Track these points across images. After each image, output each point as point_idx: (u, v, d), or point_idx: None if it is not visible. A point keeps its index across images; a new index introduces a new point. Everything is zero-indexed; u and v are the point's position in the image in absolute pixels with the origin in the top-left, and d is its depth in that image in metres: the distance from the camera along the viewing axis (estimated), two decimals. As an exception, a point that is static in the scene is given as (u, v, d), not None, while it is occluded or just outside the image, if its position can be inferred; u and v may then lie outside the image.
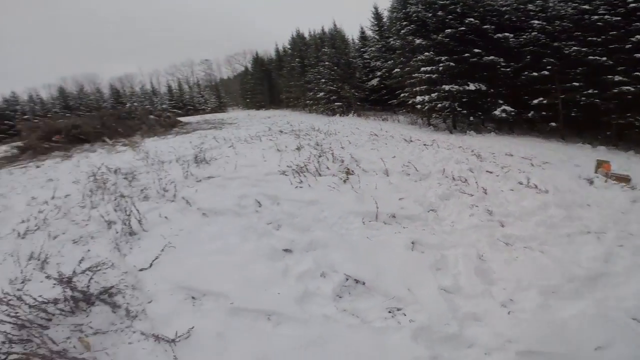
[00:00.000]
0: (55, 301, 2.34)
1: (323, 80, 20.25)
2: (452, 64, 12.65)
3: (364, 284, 2.60)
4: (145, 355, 2.03)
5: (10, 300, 2.20)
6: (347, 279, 2.65)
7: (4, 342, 2.02)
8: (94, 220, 3.92)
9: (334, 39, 21.70)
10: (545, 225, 3.52)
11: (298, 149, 7.03)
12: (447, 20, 13.05)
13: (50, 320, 2.27)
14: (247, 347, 2.06)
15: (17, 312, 2.19)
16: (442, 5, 13.17)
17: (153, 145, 10.51)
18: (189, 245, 3.18)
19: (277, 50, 34.93)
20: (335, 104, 19.55)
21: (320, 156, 6.06)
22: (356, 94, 19.96)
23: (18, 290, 2.38)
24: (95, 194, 4.95)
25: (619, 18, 10.39)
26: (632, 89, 9.97)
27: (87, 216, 4.12)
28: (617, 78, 10.22)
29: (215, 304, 2.42)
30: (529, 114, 12.41)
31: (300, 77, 25.55)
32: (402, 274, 2.67)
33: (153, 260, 2.84)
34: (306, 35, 30.31)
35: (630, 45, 10.11)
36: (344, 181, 4.71)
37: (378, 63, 20.36)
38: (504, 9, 13.53)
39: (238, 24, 76.94)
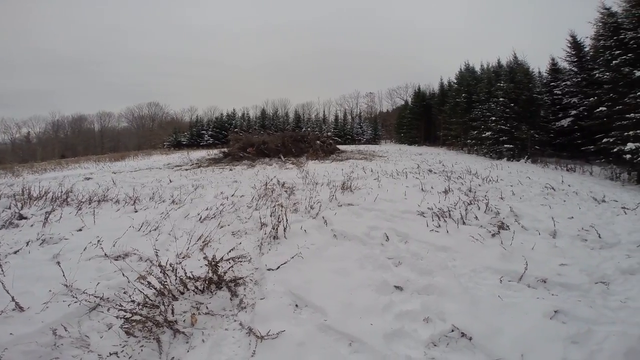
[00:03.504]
0: (197, 279, 2.71)
1: (493, 118, 17.93)
2: None
3: (470, 339, 2.21)
4: (230, 343, 2.22)
5: (167, 269, 2.65)
6: (452, 330, 2.29)
7: (139, 304, 2.36)
8: (253, 219, 4.86)
9: (514, 72, 18.76)
10: None
11: (445, 192, 6.47)
12: None
13: (182, 294, 2.63)
14: (317, 364, 2.04)
15: (165, 281, 2.55)
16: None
17: (313, 167, 12.22)
18: (313, 259, 3.44)
19: (441, 85, 33.51)
20: (505, 145, 16.84)
21: (470, 204, 5.35)
22: (536, 135, 16.53)
23: (178, 263, 3.05)
24: (261, 199, 6.18)
25: None
26: None
27: (249, 215, 5.17)
28: None
29: (311, 316, 2.51)
30: None
31: (465, 113, 23.62)
32: (525, 340, 2.14)
33: (281, 264, 3.22)
34: (477, 68, 27.77)
35: None
36: (493, 235, 3.98)
37: (574, 100, 16.29)
38: None
39: (405, 58, 79.13)
